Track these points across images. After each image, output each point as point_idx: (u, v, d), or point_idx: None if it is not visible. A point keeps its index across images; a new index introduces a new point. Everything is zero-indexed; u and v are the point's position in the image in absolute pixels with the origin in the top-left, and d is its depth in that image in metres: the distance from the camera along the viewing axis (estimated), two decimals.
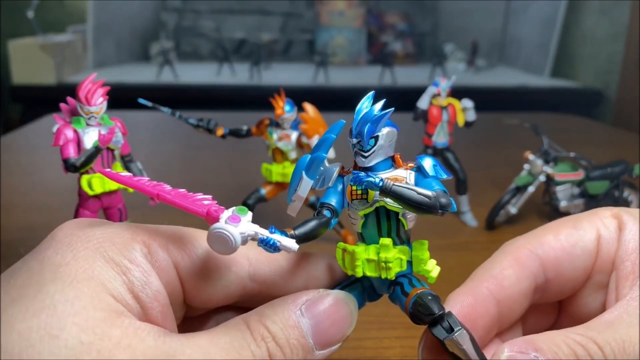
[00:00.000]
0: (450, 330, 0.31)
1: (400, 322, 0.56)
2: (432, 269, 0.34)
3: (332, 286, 0.36)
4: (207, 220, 0.29)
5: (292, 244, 0.29)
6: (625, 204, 0.83)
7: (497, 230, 0.85)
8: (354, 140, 0.33)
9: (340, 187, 0.34)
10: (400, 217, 0.34)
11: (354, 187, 0.33)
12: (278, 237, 0.29)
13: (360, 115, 0.33)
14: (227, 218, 0.29)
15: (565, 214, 0.80)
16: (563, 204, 0.82)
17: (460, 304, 0.36)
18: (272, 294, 0.34)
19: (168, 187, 0.32)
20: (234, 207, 0.30)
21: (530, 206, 0.89)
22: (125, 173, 0.32)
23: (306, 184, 0.33)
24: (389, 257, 0.33)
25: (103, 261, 0.29)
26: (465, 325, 0.32)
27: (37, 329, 0.24)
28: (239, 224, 0.28)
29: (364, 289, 0.36)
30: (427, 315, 0.32)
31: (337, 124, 0.32)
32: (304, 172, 0.33)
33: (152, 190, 0.27)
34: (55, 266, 0.28)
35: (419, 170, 0.34)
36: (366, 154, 0.33)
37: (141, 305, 0.29)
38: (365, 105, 0.33)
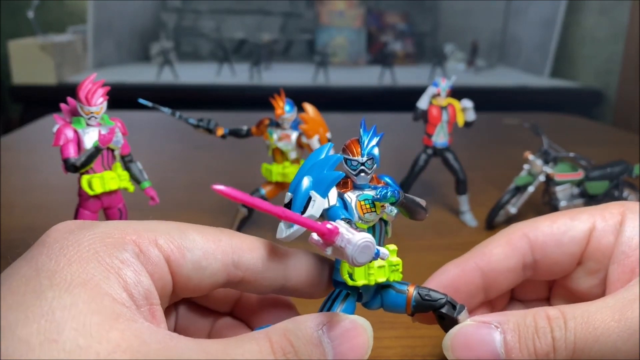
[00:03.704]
0: (453, 307, 0.38)
1: (400, 322, 0.56)
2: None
3: (315, 286, 0.37)
4: (325, 236, 0.29)
5: (386, 251, 0.32)
6: None
7: (497, 230, 0.85)
8: (363, 159, 0.36)
9: (340, 203, 0.36)
10: (387, 227, 0.38)
11: (363, 202, 0.36)
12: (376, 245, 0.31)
13: (369, 139, 0.37)
14: (348, 228, 0.29)
15: None
16: (563, 204, 0.82)
17: (448, 273, 0.41)
18: (254, 282, 0.35)
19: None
20: (338, 220, 0.31)
21: (530, 206, 0.89)
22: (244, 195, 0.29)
23: (320, 204, 0.34)
24: (399, 261, 0.37)
25: (96, 263, 0.29)
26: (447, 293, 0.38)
27: (37, 334, 0.25)
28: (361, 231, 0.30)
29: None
30: (436, 301, 0.37)
31: (326, 146, 0.36)
32: (314, 192, 0.34)
33: (277, 211, 0.27)
34: (51, 272, 0.28)
35: (387, 185, 0.38)
36: (369, 172, 0.36)
37: (135, 304, 0.30)
38: (368, 131, 0.37)
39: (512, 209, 0.84)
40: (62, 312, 0.26)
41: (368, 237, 0.29)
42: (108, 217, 0.63)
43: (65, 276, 0.28)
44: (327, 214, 0.35)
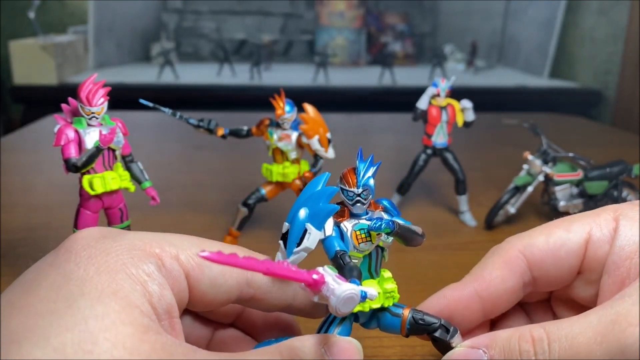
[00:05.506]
0: (447, 330, 0.38)
1: None
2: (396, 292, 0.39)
3: (318, 307, 0.39)
4: (311, 286, 0.30)
5: (374, 291, 0.33)
6: None
7: (496, 230, 0.85)
8: (359, 190, 0.37)
9: (336, 232, 0.37)
10: (384, 252, 0.39)
11: (358, 232, 0.37)
12: (364, 288, 0.32)
13: (365, 169, 0.37)
14: (334, 278, 0.30)
15: (564, 213, 0.80)
16: (562, 203, 0.82)
17: (445, 298, 0.41)
18: (263, 300, 0.37)
19: (261, 258, 0.33)
20: (324, 267, 0.32)
21: (529, 206, 0.89)
22: (231, 250, 0.31)
23: (316, 236, 0.35)
24: (394, 287, 0.38)
25: (124, 275, 0.30)
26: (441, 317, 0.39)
27: (71, 344, 0.26)
28: (345, 280, 0.31)
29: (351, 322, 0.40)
30: (429, 325, 0.38)
31: (324, 177, 0.37)
32: (309, 224, 0.35)
33: (262, 269, 0.28)
34: (80, 281, 0.28)
35: (385, 210, 0.39)
36: (365, 202, 0.37)
37: (158, 318, 0.30)
38: (365, 161, 0.38)
39: (512, 209, 0.84)
40: (95, 322, 0.26)
41: (352, 288, 0.30)
42: (109, 217, 0.63)
43: (95, 285, 0.28)
44: (323, 244, 0.36)
